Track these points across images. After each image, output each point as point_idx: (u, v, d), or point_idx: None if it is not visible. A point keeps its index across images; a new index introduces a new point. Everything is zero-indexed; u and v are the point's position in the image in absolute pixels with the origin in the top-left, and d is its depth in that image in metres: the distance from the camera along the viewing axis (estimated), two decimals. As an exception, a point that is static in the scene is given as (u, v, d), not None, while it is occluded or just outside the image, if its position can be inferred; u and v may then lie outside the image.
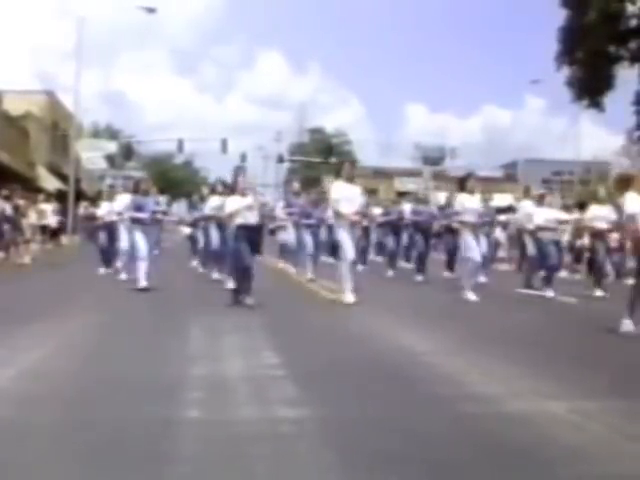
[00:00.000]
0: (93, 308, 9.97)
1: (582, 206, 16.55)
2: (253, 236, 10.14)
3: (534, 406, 4.86)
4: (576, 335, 8.36)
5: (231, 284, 10.93)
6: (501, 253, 20.32)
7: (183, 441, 4.02)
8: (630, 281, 9.09)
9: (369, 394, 5.15)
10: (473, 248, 11.66)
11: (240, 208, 10.01)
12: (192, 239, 17.47)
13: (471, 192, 11.95)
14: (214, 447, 3.92)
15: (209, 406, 4.79)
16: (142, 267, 12.04)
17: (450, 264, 16.07)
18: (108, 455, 3.75)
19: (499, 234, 18.60)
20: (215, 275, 14.15)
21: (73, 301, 10.71)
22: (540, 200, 13.89)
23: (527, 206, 14.85)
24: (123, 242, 14.53)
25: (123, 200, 14.31)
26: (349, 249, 10.57)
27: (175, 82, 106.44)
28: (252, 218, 10.11)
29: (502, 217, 17.96)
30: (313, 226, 15.46)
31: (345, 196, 10.62)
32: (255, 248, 10.24)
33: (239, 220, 10.02)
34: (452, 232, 15.86)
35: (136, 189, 12.81)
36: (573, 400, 4.99)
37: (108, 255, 15.80)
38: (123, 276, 13.92)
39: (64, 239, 30.05)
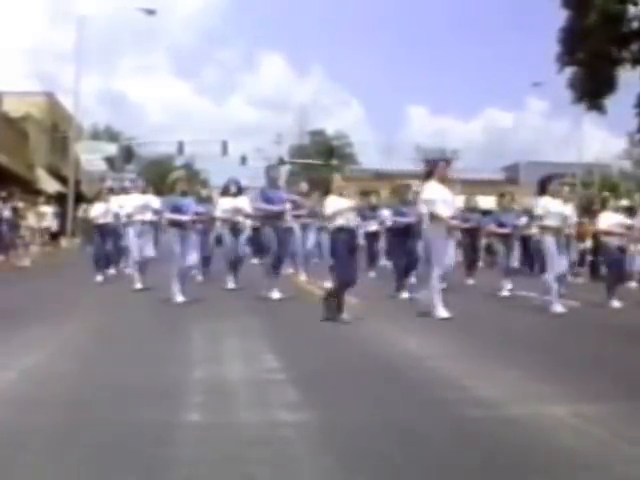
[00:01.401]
0: (93, 311, 9.98)
1: (587, 210, 16.50)
2: (352, 241, 9.37)
3: (536, 410, 4.84)
4: (578, 339, 8.33)
5: (276, 294, 10.84)
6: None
7: (183, 445, 4.00)
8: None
9: (370, 398, 5.13)
10: (556, 256, 10.74)
11: (343, 209, 9.18)
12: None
13: (554, 195, 11.01)
14: (214, 451, 3.90)
15: (209, 410, 4.77)
16: (179, 280, 10.88)
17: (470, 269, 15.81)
18: (108, 459, 3.72)
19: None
20: (231, 285, 13.13)
21: (73, 303, 10.74)
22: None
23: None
24: (133, 247, 13.33)
25: (134, 200, 13.50)
26: (443, 258, 9.68)
27: (176, 84, 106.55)
28: (353, 221, 9.39)
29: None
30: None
31: (441, 198, 9.69)
32: (354, 253, 9.51)
33: (340, 221, 9.17)
34: (472, 236, 15.62)
35: (172, 189, 11.51)
36: (575, 404, 4.97)
37: (104, 260, 14.93)
38: (138, 285, 12.69)
39: (63, 242, 30.04)
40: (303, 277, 14.54)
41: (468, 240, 15.83)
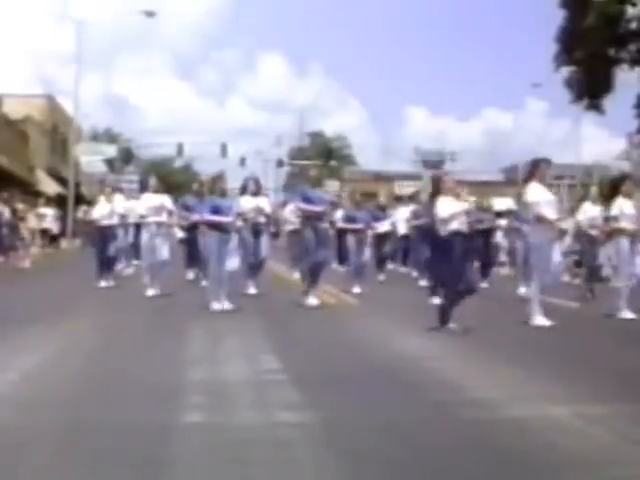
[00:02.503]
0: (92, 312, 9.96)
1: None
2: (468, 246, 8.73)
3: (537, 411, 4.83)
4: (579, 339, 8.32)
5: (313, 300, 10.46)
6: (502, 257, 20.26)
7: (183, 446, 3.99)
8: None
9: (370, 399, 5.12)
10: (630, 262, 10.12)
11: (458, 212, 8.48)
12: (188, 246, 14.70)
13: (628, 196, 10.38)
14: (214, 452, 3.90)
15: (209, 411, 4.77)
16: (216, 286, 10.10)
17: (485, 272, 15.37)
18: (108, 459, 3.72)
19: (500, 239, 18.51)
20: (252, 290, 12.29)
21: (73, 305, 10.70)
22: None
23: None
24: (146, 250, 12.26)
25: (148, 201, 12.38)
26: (547, 263, 8.91)
27: (176, 86, 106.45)
28: (464, 225, 8.62)
29: (503, 221, 17.79)
30: (357, 231, 13.73)
31: (545, 199, 9.00)
32: (472, 259, 8.92)
33: (454, 225, 8.41)
34: (486, 237, 15.02)
35: (211, 188, 10.67)
36: (577, 405, 4.96)
37: (108, 265, 13.91)
38: (150, 292, 11.81)
39: (63, 243, 30.04)
40: (357, 290, 12.94)
41: (482, 241, 15.52)
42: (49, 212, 25.94)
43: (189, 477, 3.58)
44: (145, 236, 12.31)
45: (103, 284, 13.40)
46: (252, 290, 12.31)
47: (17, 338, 7.45)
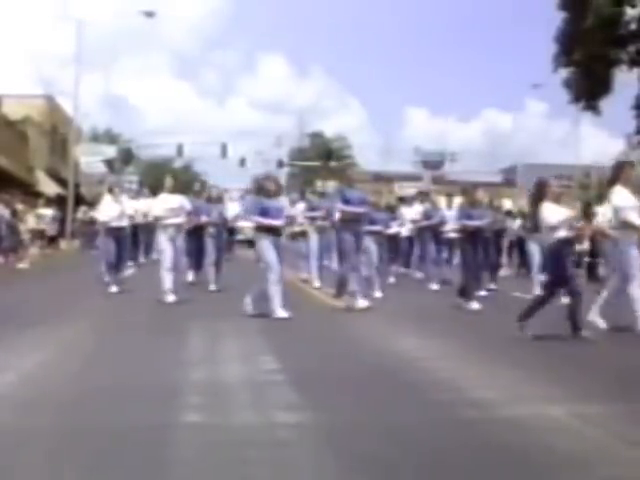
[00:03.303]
0: (91, 313, 9.95)
1: (584, 211, 16.44)
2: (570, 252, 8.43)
3: (534, 411, 4.84)
4: (576, 340, 8.32)
5: (363, 302, 10.02)
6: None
7: (182, 446, 4.01)
8: None
9: (368, 399, 5.14)
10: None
11: (566, 219, 8.13)
12: (190, 248, 14.42)
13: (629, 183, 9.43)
14: (213, 452, 3.91)
15: (208, 411, 4.78)
16: (277, 293, 9.45)
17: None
18: (107, 460, 3.73)
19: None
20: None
21: (72, 306, 10.69)
22: None
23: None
24: (166, 254, 11.31)
25: (165, 201, 11.69)
26: (635, 270, 8.39)
27: (176, 86, 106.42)
28: (571, 230, 8.27)
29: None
30: (377, 233, 12.97)
31: (630, 204, 8.53)
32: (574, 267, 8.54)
33: (562, 233, 8.06)
34: (496, 237, 14.57)
35: (267, 192, 10.00)
36: (573, 405, 4.97)
37: (118, 268, 13.06)
38: (171, 298, 11.00)
39: (63, 244, 30.03)
40: (379, 294, 12.31)
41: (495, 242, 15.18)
42: (48, 213, 25.93)
43: (188, 478, 3.60)
44: (163, 239, 11.44)
45: (114, 289, 12.43)
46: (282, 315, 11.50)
47: (16, 339, 7.46)
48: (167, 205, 11.56)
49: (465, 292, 10.97)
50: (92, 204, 25.26)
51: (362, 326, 8.89)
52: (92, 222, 17.41)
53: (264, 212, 9.72)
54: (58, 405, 4.88)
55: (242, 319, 9.26)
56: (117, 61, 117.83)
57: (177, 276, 11.59)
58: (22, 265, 18.70)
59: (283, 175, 68.09)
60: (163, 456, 3.83)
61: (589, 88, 28.10)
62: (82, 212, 29.76)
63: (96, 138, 62.73)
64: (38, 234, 23.29)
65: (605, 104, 29.12)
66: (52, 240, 27.01)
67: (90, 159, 45.70)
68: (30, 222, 21.83)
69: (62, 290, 13.37)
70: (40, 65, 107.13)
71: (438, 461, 3.83)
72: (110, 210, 13.03)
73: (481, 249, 11.51)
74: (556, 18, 28.77)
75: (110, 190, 13.64)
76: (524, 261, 17.11)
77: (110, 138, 65.18)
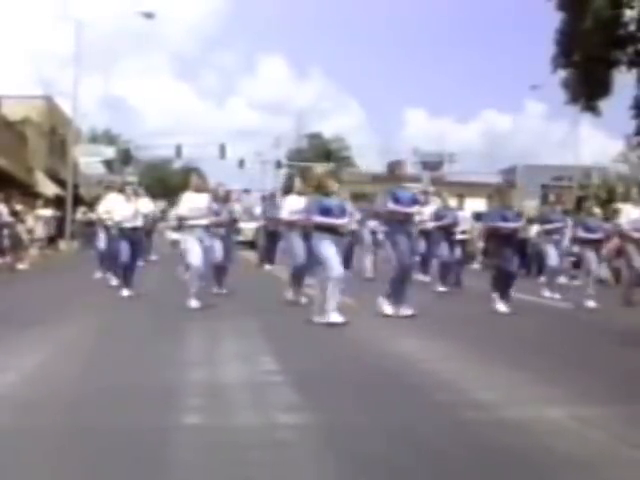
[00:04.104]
0: (91, 314, 9.94)
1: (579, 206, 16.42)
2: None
3: (534, 413, 4.84)
4: (576, 341, 8.34)
5: (407, 310, 9.41)
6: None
7: (182, 448, 4.00)
8: None
9: (369, 400, 5.14)
10: None
11: None
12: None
13: None
14: (213, 453, 3.91)
15: (208, 412, 4.78)
16: (334, 296, 8.92)
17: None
18: (107, 461, 3.73)
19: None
20: (290, 296, 11.01)
21: (71, 306, 10.67)
22: None
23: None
24: (195, 257, 10.54)
25: (191, 201, 10.75)
26: None
27: (175, 87, 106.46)
28: None
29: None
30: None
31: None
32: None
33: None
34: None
35: (318, 186, 9.46)
36: (574, 406, 4.98)
37: (129, 271, 12.21)
38: (194, 303, 10.30)
39: (62, 245, 30.01)
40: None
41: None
42: (47, 213, 25.90)
43: (188, 478, 3.59)
44: (190, 241, 10.66)
45: (126, 293, 11.81)
46: (290, 296, 11.16)
47: (16, 340, 7.45)
48: (193, 204, 10.73)
49: (502, 294, 10.79)
50: (91, 205, 25.26)
51: (363, 327, 8.88)
52: (91, 223, 17.10)
53: (325, 211, 9.20)
54: (58, 406, 4.87)
55: (242, 320, 9.26)
56: (116, 62, 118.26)
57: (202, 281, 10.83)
58: (22, 266, 18.69)
59: (281, 176, 68.21)
60: (163, 457, 3.83)
61: (588, 89, 28.10)
62: (81, 213, 29.74)
63: (95, 139, 62.79)
64: (37, 235, 23.26)
65: (604, 105, 29.13)
66: (51, 241, 26.99)
67: (89, 160, 45.70)
68: (30, 223, 21.81)
69: (62, 291, 13.33)
70: (39, 66, 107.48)
71: (439, 463, 3.83)
72: (124, 210, 12.33)
73: (515, 252, 11.18)
74: (555, 19, 28.80)
75: (121, 189, 13.16)
76: (525, 262, 17.15)
77: (109, 139, 65.25)
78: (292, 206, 11.32)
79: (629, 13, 27.58)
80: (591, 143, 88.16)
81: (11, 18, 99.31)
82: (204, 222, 10.70)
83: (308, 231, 10.74)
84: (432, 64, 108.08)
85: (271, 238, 19.11)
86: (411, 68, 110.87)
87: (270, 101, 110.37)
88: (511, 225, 11.03)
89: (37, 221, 23.49)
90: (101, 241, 14.91)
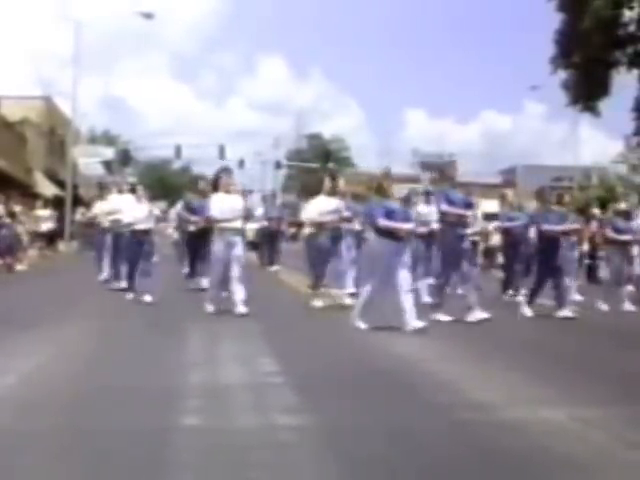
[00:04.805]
0: (91, 315, 9.93)
1: (583, 212, 16.44)
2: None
3: (534, 414, 4.85)
4: (576, 342, 8.33)
5: (479, 314, 9.15)
6: (499, 259, 20.28)
7: (182, 449, 4.00)
8: None
9: (369, 401, 5.14)
10: None
11: None
12: (192, 251, 13.52)
13: None
14: (213, 455, 3.90)
15: (208, 414, 4.78)
16: (409, 301, 8.51)
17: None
18: (107, 463, 3.72)
19: (495, 240, 18.50)
20: (318, 303, 10.53)
21: (71, 308, 10.66)
22: None
23: None
24: (217, 263, 10.08)
25: (223, 202, 10.03)
26: None
27: (175, 88, 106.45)
28: None
29: (495, 224, 17.66)
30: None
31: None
32: None
33: None
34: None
35: (380, 189, 8.97)
36: (573, 408, 4.98)
37: (144, 275, 11.60)
38: (211, 308, 9.94)
39: (61, 246, 29.99)
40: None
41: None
42: (46, 214, 25.87)
43: (188, 480, 3.59)
44: (219, 245, 9.97)
45: (131, 296, 11.44)
46: (319, 303, 10.73)
47: (15, 341, 7.44)
48: (223, 206, 9.99)
49: (531, 297, 10.65)
50: (89, 205, 25.18)
51: (362, 328, 8.86)
52: (91, 223, 16.90)
53: (390, 215, 8.63)
54: (58, 407, 4.87)
55: (242, 321, 9.25)
56: (116, 62, 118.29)
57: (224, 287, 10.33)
58: (21, 267, 18.68)
59: (280, 176, 68.25)
60: (163, 459, 3.82)
61: (588, 90, 28.11)
62: (80, 213, 29.71)
63: (94, 139, 62.76)
64: (36, 236, 23.23)
65: (604, 105, 29.15)
66: (50, 242, 26.96)
67: (88, 160, 45.66)
68: (28, 223, 21.78)
69: (61, 291, 13.33)
70: (39, 66, 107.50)
71: (438, 464, 3.83)
72: (136, 211, 11.79)
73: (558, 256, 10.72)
74: (555, 20, 28.81)
75: (133, 190, 12.69)
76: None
77: (108, 139, 65.21)
78: (321, 207, 10.85)
79: (629, 14, 27.61)
80: (591, 143, 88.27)
81: (11, 18, 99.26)
82: (236, 225, 10.10)
83: (337, 233, 10.76)
84: (432, 65, 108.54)
85: (272, 239, 19.09)
86: (411, 69, 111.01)
87: (270, 101, 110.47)
88: (557, 228, 10.69)
89: (36, 222, 23.45)
90: (103, 242, 14.34)
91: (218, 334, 8.30)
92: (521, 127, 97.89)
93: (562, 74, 28.99)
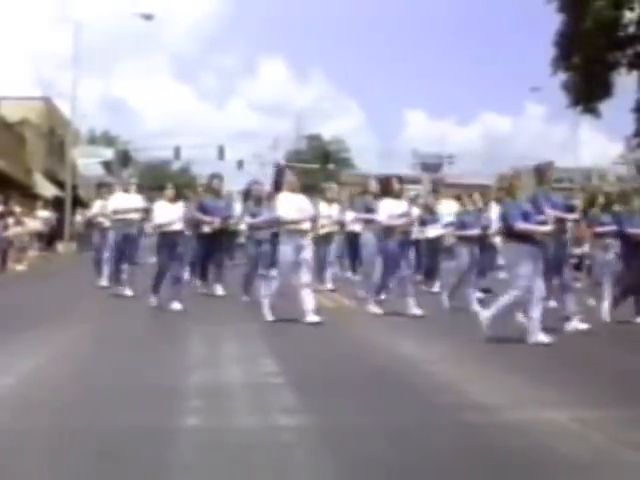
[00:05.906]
0: (90, 316, 9.93)
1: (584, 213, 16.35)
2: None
3: (535, 415, 4.84)
4: (577, 344, 8.31)
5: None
6: (500, 261, 20.25)
7: (182, 449, 3.99)
8: None
9: (369, 402, 5.13)
10: None
11: None
12: (204, 254, 12.61)
13: None
14: (213, 455, 3.90)
15: (208, 414, 4.77)
16: (537, 313, 8.05)
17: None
18: (106, 463, 3.72)
19: (497, 240, 18.47)
20: (375, 309, 9.98)
21: (70, 309, 10.66)
22: None
23: None
24: (284, 268, 9.24)
25: (290, 202, 9.35)
26: None
27: (175, 89, 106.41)
28: None
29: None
30: (473, 240, 11.28)
31: None
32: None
33: None
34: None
35: (513, 193, 8.27)
36: (574, 409, 4.97)
37: (179, 280, 10.93)
38: (269, 317, 9.22)
39: (61, 246, 29.99)
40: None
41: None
42: (46, 215, 25.88)
43: (188, 480, 3.57)
44: (288, 250, 9.18)
45: (154, 300, 10.65)
46: (375, 309, 10.12)
47: (15, 342, 7.43)
48: (291, 206, 9.27)
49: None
50: (88, 206, 25.15)
51: (363, 329, 8.87)
52: (91, 224, 16.82)
53: (526, 216, 8.08)
54: (57, 407, 4.86)
55: (242, 322, 9.23)
56: (116, 63, 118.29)
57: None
58: (20, 267, 18.68)
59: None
60: (163, 459, 3.81)
61: (588, 91, 28.12)
62: (80, 214, 29.72)
63: (94, 140, 62.79)
64: (37, 236, 23.24)
65: (604, 107, 29.16)
66: (50, 242, 26.95)
67: (88, 161, 45.68)
68: (28, 224, 21.78)
69: (61, 292, 13.33)
70: (38, 67, 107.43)
71: (439, 465, 3.82)
72: (166, 212, 10.98)
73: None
74: (555, 21, 28.81)
75: (161, 188, 11.72)
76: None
77: (108, 140, 65.19)
78: (390, 210, 10.11)
79: (629, 15, 27.60)
80: (591, 145, 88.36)
81: (10, 19, 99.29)
82: (305, 227, 9.38)
83: (405, 239, 10.17)
84: (432, 66, 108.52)
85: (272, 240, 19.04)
86: (411, 70, 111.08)
87: (270, 103, 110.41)
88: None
89: (35, 222, 23.46)
90: (103, 243, 13.93)
91: (218, 335, 8.29)
92: (521, 129, 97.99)
93: (562, 75, 28.98)
